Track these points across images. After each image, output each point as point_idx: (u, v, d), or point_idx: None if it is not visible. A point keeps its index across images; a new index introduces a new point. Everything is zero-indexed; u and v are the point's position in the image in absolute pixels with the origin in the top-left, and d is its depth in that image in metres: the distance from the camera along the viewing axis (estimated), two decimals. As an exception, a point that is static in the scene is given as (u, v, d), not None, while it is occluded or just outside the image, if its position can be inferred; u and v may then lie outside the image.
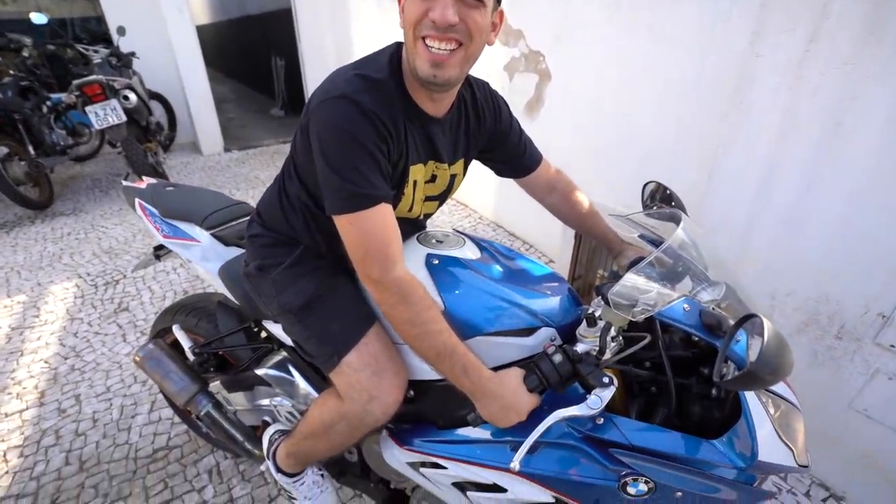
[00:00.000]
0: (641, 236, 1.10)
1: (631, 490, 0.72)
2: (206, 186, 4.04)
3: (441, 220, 3.30)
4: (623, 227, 1.13)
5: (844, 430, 1.44)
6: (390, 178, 0.80)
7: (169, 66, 4.54)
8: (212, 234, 1.21)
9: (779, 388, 0.80)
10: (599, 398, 0.69)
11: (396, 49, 0.82)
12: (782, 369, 0.57)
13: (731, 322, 0.72)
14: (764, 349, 0.56)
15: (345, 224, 0.75)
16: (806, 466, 0.77)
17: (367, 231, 0.74)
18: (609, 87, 2.17)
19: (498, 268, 0.95)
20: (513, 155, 1.05)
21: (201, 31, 4.92)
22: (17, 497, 1.49)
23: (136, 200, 1.32)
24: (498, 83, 2.79)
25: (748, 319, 0.66)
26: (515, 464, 0.70)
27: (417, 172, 0.87)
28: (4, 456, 1.62)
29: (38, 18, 3.73)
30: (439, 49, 0.71)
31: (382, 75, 0.77)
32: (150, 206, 1.29)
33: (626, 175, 2.19)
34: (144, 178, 1.47)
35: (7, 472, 1.56)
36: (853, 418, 1.41)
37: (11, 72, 3.49)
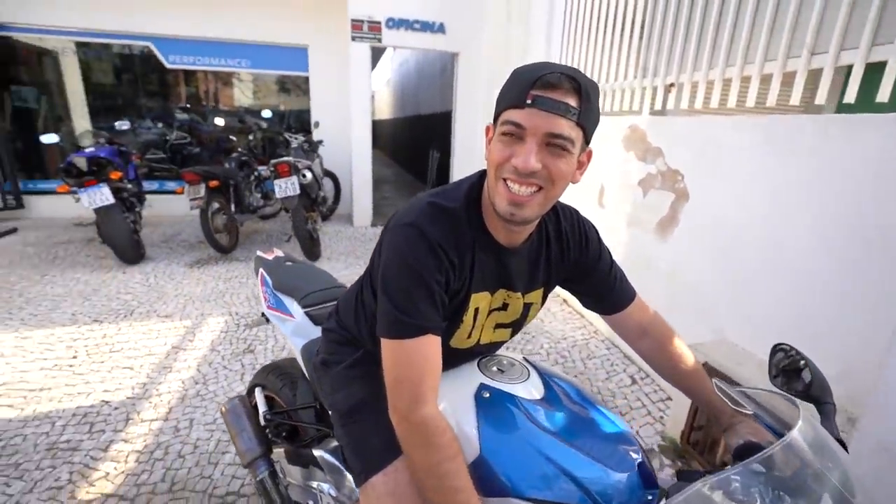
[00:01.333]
0: (757, 416, 0.87)
1: None
2: (348, 254, 4.61)
3: (552, 327, 3.13)
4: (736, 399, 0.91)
5: None
6: (446, 307, 0.78)
7: (345, 152, 5.61)
8: (306, 312, 1.31)
9: None
10: None
11: (478, 179, 0.84)
12: None
13: None
14: None
15: (386, 348, 0.75)
16: None
17: (405, 360, 0.73)
18: (755, 215, 1.91)
19: (560, 415, 0.82)
20: (600, 288, 0.96)
21: (382, 124, 5.99)
22: (119, 498, 1.68)
23: (260, 269, 1.54)
24: (629, 197, 2.69)
25: None
26: None
27: (481, 300, 0.84)
28: (126, 458, 1.89)
29: (266, 114, 5.20)
30: (519, 191, 0.71)
31: (456, 205, 0.79)
32: (267, 277, 1.48)
33: (767, 313, 1.83)
34: (275, 249, 1.71)
35: (122, 473, 1.81)
36: None
37: (239, 149, 4.71)
